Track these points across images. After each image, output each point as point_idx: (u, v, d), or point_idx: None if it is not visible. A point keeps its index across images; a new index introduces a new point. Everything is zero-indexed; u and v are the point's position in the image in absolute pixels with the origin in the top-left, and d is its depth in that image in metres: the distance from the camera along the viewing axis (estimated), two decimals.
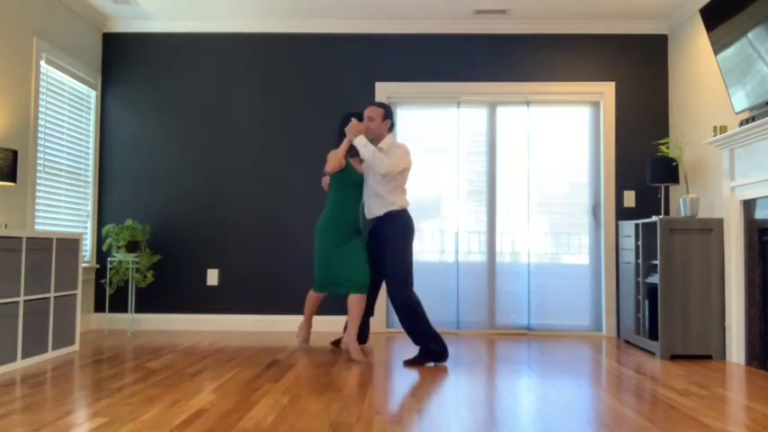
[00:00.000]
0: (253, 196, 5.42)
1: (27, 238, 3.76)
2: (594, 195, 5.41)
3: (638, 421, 2.66)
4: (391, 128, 4.24)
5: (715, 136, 4.22)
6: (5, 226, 4.03)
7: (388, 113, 4.21)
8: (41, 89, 4.64)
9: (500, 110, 5.47)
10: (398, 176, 4.10)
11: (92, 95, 5.40)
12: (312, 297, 4.41)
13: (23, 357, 3.73)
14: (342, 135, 4.22)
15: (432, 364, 3.95)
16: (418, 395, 3.12)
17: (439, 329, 5.31)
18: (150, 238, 5.40)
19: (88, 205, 5.34)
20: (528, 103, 5.46)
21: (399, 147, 4.12)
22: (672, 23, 5.28)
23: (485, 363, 4.01)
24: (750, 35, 3.84)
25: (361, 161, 4.21)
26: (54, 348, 4.04)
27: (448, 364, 3.96)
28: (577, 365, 3.94)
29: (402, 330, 5.32)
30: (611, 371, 3.78)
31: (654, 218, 4.38)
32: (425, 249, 5.41)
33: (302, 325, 4.52)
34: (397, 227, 4.09)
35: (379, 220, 4.16)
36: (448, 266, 5.39)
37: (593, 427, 2.57)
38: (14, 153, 3.92)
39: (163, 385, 3.24)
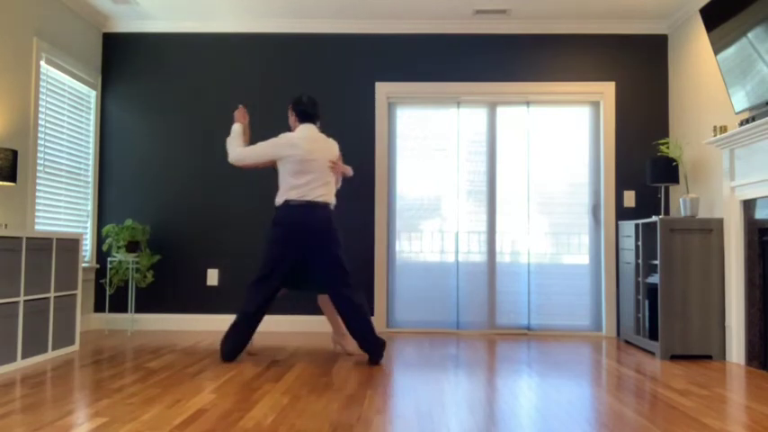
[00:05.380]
0: (253, 196, 5.42)
1: (27, 238, 3.76)
2: (594, 195, 5.41)
3: (638, 421, 2.66)
4: (304, 118, 4.07)
5: (715, 136, 4.22)
6: (5, 226, 4.03)
7: (294, 107, 4.08)
8: (41, 89, 4.64)
9: (500, 110, 5.47)
10: (281, 167, 3.97)
11: (92, 95, 5.40)
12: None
13: (23, 357, 3.73)
14: None
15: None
16: (418, 395, 3.12)
17: (439, 329, 5.33)
18: (150, 238, 5.40)
19: (88, 205, 5.34)
20: (528, 103, 5.46)
21: (281, 136, 3.99)
22: (672, 23, 5.27)
23: (485, 363, 4.01)
24: (750, 35, 3.84)
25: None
26: (54, 348, 4.04)
27: (448, 363, 3.96)
28: (577, 365, 3.94)
29: (403, 330, 5.35)
30: (611, 371, 3.78)
31: (654, 218, 4.38)
32: (425, 249, 5.41)
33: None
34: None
35: None
36: (448, 266, 5.39)
37: (593, 427, 2.57)
38: (14, 153, 3.92)
39: (163, 385, 3.24)
